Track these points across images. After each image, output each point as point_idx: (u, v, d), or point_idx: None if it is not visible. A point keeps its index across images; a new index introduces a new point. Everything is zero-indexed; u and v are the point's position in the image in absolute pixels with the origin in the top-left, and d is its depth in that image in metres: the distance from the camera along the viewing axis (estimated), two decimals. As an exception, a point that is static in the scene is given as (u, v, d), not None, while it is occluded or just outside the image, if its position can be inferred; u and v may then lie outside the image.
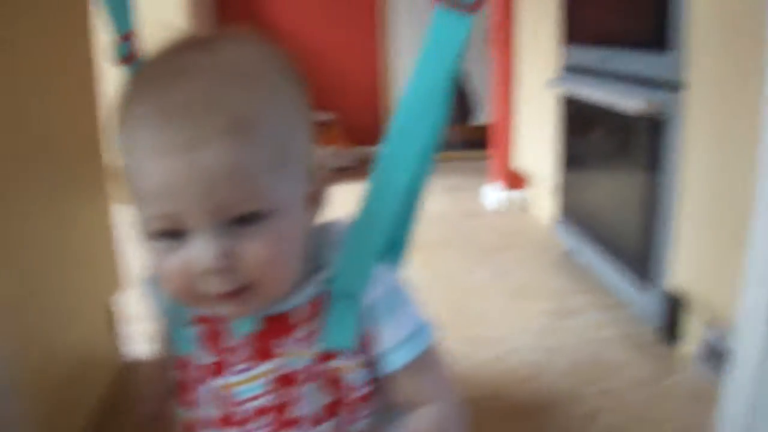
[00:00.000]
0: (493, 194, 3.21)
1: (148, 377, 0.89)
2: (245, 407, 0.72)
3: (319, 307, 0.70)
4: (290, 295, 0.69)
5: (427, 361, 0.73)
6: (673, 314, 1.78)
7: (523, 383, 1.66)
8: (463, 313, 2.03)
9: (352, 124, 4.09)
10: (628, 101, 1.78)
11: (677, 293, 1.72)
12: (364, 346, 0.71)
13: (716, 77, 1.50)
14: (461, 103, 4.09)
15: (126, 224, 2.27)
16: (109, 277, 1.71)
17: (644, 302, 1.86)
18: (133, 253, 2.57)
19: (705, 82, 1.54)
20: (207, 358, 0.73)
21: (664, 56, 1.68)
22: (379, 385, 0.74)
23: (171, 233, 0.63)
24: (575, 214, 2.37)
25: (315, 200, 0.71)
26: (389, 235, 0.73)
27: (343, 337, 0.71)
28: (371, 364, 0.72)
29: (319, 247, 0.72)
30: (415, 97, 0.70)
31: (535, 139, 2.80)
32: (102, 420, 1.54)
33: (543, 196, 2.87)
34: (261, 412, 0.72)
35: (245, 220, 0.62)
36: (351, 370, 0.72)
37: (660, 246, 1.75)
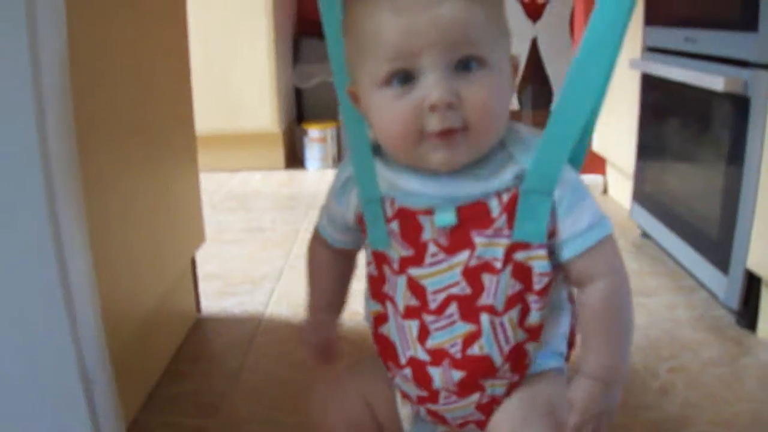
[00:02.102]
0: (572, 177, 3.19)
1: (320, 259, 0.99)
2: (439, 296, 0.81)
3: (514, 200, 0.78)
4: (488, 178, 0.79)
5: (602, 248, 0.81)
6: (751, 297, 1.75)
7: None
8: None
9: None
10: (712, 78, 1.76)
11: (756, 276, 1.70)
12: (549, 237, 0.80)
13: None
14: (540, 88, 4.07)
15: (210, 191, 2.40)
16: (193, 236, 1.79)
17: (722, 285, 1.83)
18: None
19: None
20: (405, 251, 0.82)
21: (749, 36, 1.66)
22: (555, 278, 0.83)
23: (404, 75, 0.74)
24: (653, 196, 2.35)
25: (513, 73, 0.81)
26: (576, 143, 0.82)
27: (535, 231, 0.79)
28: (552, 254, 0.81)
29: (509, 140, 0.81)
30: (602, 21, 0.76)
31: (616, 121, 2.77)
32: (177, 369, 1.61)
33: (622, 179, 2.85)
34: (454, 299, 0.81)
35: (469, 68, 0.74)
36: (540, 260, 0.80)
37: (739, 228, 1.73)
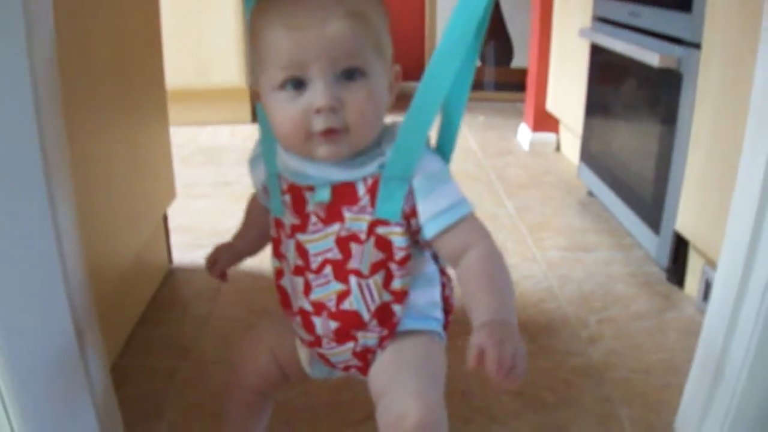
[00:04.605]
0: (527, 135, 3.33)
1: (252, 207, 1.16)
2: (318, 258, 0.96)
3: (376, 184, 0.92)
4: (357, 167, 0.92)
5: (463, 225, 0.92)
6: (679, 256, 1.91)
7: (533, 306, 1.82)
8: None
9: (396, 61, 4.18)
10: (649, 54, 1.89)
11: (684, 236, 1.84)
12: (408, 218, 0.93)
13: (730, 39, 1.60)
14: (501, 45, 4.17)
15: (179, 145, 2.47)
16: (164, 190, 1.90)
17: (653, 244, 1.99)
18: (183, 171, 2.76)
19: (719, 43, 1.64)
20: (294, 219, 0.97)
21: (685, 16, 1.79)
22: (415, 251, 0.97)
23: (295, 82, 0.86)
24: (597, 157, 2.49)
25: (392, 87, 0.94)
26: (439, 139, 0.97)
27: (392, 210, 0.92)
28: (414, 233, 0.94)
29: (384, 139, 0.93)
30: (455, 27, 0.88)
31: (568, 84, 2.91)
32: (151, 316, 1.75)
33: (573, 139, 2.98)
34: (329, 263, 0.96)
35: (351, 77, 0.86)
36: (397, 235, 0.93)
37: (671, 192, 1.88)
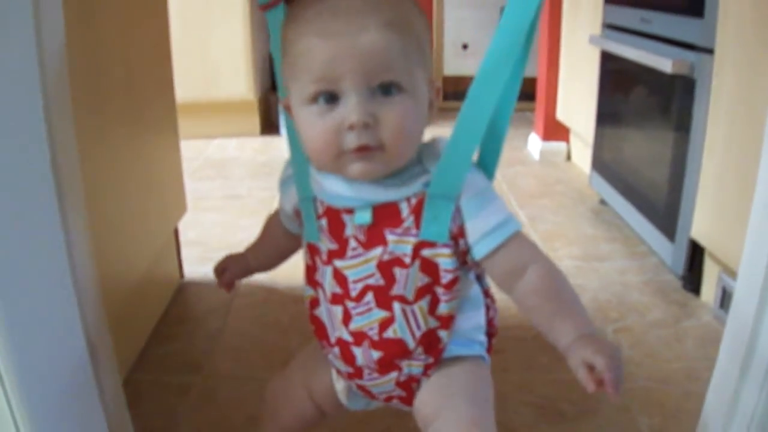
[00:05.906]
0: (537, 144, 3.31)
1: (271, 225, 1.12)
2: (358, 285, 0.91)
3: (420, 203, 0.86)
4: (400, 187, 0.87)
5: (515, 243, 0.87)
6: (695, 263, 1.89)
7: (549, 318, 1.78)
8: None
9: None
10: (661, 60, 1.88)
11: (700, 244, 1.82)
12: (456, 238, 0.88)
13: (743, 44, 1.59)
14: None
15: (187, 158, 2.48)
16: (175, 203, 1.89)
17: (669, 252, 1.97)
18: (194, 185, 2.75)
19: (733, 48, 1.63)
20: (331, 245, 0.92)
21: (697, 21, 1.77)
22: (461, 274, 0.91)
23: (327, 96, 0.81)
24: (609, 165, 2.48)
25: (432, 102, 0.89)
26: (482, 154, 0.92)
27: (438, 232, 0.87)
28: (462, 254, 0.89)
29: (425, 155, 0.88)
30: (502, 40, 0.83)
31: (579, 92, 2.89)
32: (163, 331, 1.74)
33: (584, 148, 2.97)
34: (370, 289, 0.91)
35: (387, 92, 0.81)
36: (444, 257, 0.88)
37: (686, 199, 1.86)
